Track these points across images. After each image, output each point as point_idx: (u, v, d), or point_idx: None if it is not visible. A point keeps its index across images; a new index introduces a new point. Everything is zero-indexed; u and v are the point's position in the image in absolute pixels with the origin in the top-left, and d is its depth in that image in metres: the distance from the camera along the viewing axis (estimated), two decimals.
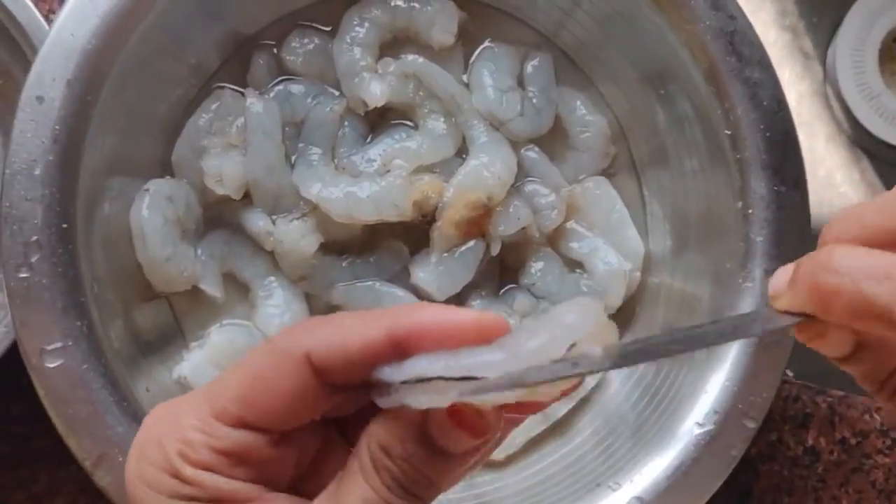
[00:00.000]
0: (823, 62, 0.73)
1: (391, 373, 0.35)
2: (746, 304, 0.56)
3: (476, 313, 0.35)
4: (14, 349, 0.60)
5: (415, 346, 0.35)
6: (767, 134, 0.57)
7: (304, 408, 0.36)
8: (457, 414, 0.35)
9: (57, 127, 0.53)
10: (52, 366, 0.52)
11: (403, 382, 0.34)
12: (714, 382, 0.55)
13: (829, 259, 0.32)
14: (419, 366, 0.34)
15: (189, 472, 0.36)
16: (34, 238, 0.52)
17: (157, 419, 0.38)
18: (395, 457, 0.35)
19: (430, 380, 0.34)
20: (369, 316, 0.36)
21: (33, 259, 0.52)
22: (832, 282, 0.32)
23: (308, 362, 0.35)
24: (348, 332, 0.36)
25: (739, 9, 0.57)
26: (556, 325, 0.33)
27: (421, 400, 0.34)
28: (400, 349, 0.35)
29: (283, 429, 0.37)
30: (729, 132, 0.57)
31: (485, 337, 0.35)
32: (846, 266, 0.32)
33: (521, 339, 0.33)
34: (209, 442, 0.36)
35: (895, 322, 0.30)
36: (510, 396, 0.34)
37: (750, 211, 0.56)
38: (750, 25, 0.57)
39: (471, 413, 0.35)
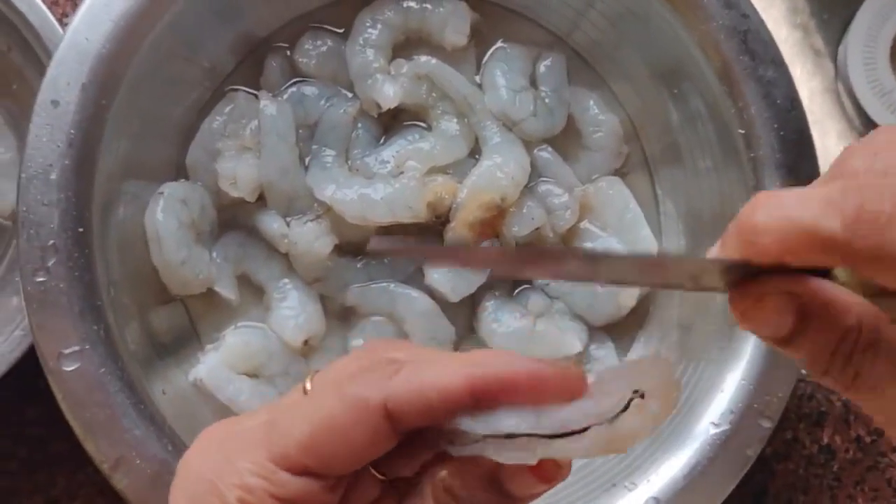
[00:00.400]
0: (835, 59, 0.73)
1: (473, 424, 0.34)
2: None
3: (558, 369, 0.35)
4: (30, 353, 0.60)
5: (495, 398, 0.34)
6: (781, 133, 0.56)
7: (370, 454, 0.36)
8: (542, 468, 0.35)
9: (72, 131, 0.54)
10: (69, 369, 0.52)
11: (486, 436, 0.34)
12: (730, 382, 0.55)
13: (753, 203, 0.32)
14: (507, 423, 0.34)
15: None
16: (51, 242, 0.53)
17: (202, 459, 0.37)
18: (461, 502, 0.35)
19: (516, 436, 0.34)
20: (448, 363, 0.35)
21: (50, 263, 0.52)
22: (759, 217, 0.31)
23: (384, 411, 0.35)
24: (428, 382, 0.35)
25: (752, 7, 0.57)
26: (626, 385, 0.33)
27: (506, 455, 0.34)
28: (480, 400, 0.35)
29: (343, 474, 0.36)
30: (742, 131, 0.57)
31: (567, 391, 0.34)
32: (768, 202, 0.31)
33: (600, 398, 0.33)
34: (270, 489, 0.35)
35: (823, 239, 0.30)
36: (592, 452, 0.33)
37: None
38: (763, 24, 0.57)
39: (550, 463, 0.35)
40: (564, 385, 0.34)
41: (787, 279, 0.33)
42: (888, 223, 0.29)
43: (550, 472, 0.35)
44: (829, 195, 0.30)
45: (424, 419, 0.35)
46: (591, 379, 0.35)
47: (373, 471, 0.38)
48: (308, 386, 0.37)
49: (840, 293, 0.33)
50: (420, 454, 0.38)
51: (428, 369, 0.35)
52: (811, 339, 0.33)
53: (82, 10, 0.54)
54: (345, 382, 0.36)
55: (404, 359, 0.36)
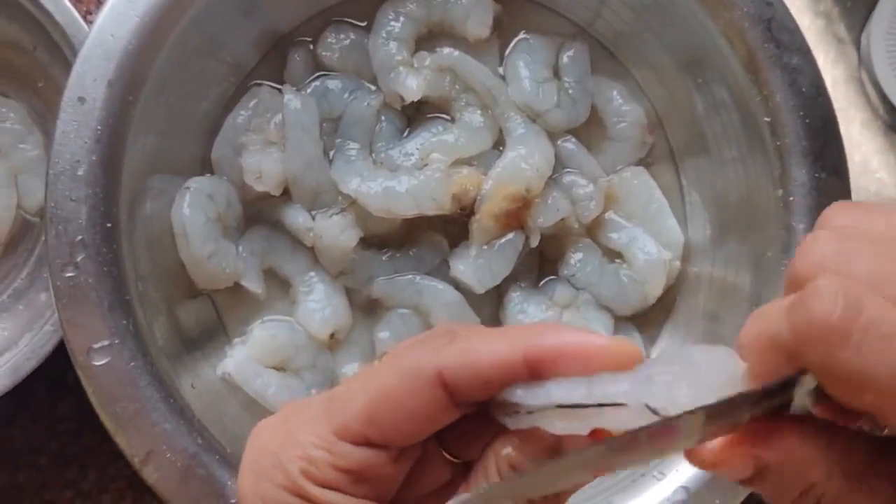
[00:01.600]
0: (858, 47, 0.73)
1: (525, 395, 0.34)
2: None
3: (613, 339, 0.35)
4: (60, 348, 0.60)
5: (549, 369, 0.34)
6: (807, 121, 0.56)
7: (430, 425, 0.36)
8: (596, 437, 0.35)
9: (99, 127, 0.54)
10: (99, 364, 0.52)
11: (539, 407, 0.34)
12: None
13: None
14: (558, 392, 0.34)
15: (314, 490, 0.35)
16: (79, 238, 0.53)
17: (268, 433, 0.38)
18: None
19: (568, 406, 0.33)
20: (503, 334, 0.35)
21: (79, 258, 0.53)
22: (743, 332, 0.32)
23: (440, 381, 0.35)
24: (482, 351, 0.35)
25: None
26: (689, 368, 0.32)
27: (558, 425, 0.34)
28: (534, 370, 0.35)
29: (404, 445, 0.36)
30: (768, 119, 0.57)
31: (621, 363, 0.34)
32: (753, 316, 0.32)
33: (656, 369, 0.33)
34: (332, 460, 0.35)
35: (782, 347, 0.30)
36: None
37: (791, 198, 0.56)
38: (787, 11, 0.57)
39: (608, 434, 0.35)
40: (618, 356, 0.34)
41: (752, 442, 0.32)
42: (835, 335, 0.28)
43: None
44: (788, 301, 0.30)
45: (479, 390, 0.35)
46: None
47: (444, 452, 0.39)
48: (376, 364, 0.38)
49: (806, 448, 0.31)
50: (489, 434, 0.37)
51: (482, 339, 0.35)
52: (772, 485, 0.33)
53: (108, 6, 0.55)
54: (400, 353, 0.36)
55: (459, 331, 0.36)
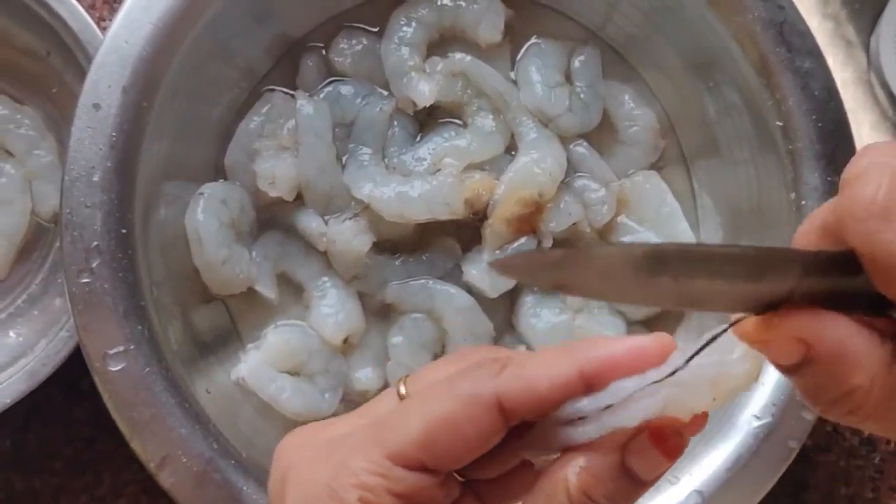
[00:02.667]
0: (867, 49, 0.73)
1: (590, 403, 0.36)
2: None
3: (648, 337, 0.36)
4: (75, 353, 0.61)
5: (605, 380, 0.35)
6: (819, 124, 0.56)
7: (482, 449, 0.36)
8: (657, 435, 0.35)
9: (114, 134, 0.54)
10: (114, 369, 0.52)
11: (607, 407, 0.35)
12: (771, 374, 0.55)
13: None
14: (625, 387, 0.35)
15: None
16: (94, 244, 0.53)
17: (316, 464, 0.38)
18: (597, 499, 0.35)
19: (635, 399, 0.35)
20: (556, 354, 0.36)
21: (94, 264, 0.53)
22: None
23: (498, 405, 0.36)
24: (540, 373, 0.36)
25: None
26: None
27: (632, 415, 0.35)
28: (590, 383, 0.36)
29: (454, 469, 0.37)
30: (780, 123, 0.57)
31: (662, 356, 0.35)
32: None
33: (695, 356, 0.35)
34: (388, 485, 0.36)
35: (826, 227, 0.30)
36: (707, 398, 0.35)
37: (803, 202, 0.56)
38: (799, 15, 0.57)
39: (669, 433, 0.36)
40: (661, 352, 0.35)
41: (805, 320, 0.32)
42: (878, 214, 0.29)
43: (671, 441, 0.36)
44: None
45: (536, 411, 0.36)
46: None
47: (454, 473, 0.39)
48: (403, 391, 0.38)
49: (858, 345, 0.31)
50: (502, 457, 0.39)
51: (535, 362, 0.36)
52: (814, 380, 0.32)
53: (122, 13, 0.55)
54: (456, 380, 0.37)
55: (505, 358, 0.37)
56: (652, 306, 0.62)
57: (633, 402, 0.35)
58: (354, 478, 0.36)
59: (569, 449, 0.36)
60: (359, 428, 0.38)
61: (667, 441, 0.36)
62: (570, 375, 0.35)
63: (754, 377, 0.35)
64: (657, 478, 0.36)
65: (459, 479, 0.40)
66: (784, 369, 0.33)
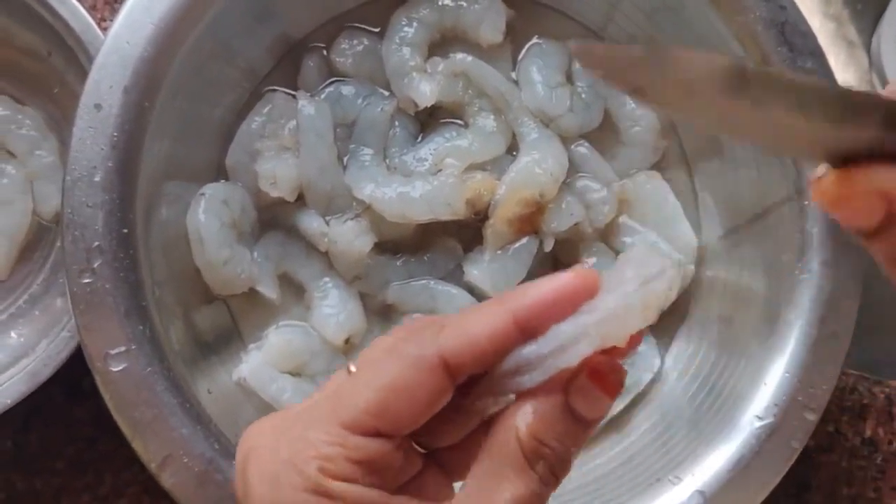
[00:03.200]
0: (868, 49, 0.73)
1: (534, 350, 0.37)
2: (804, 297, 0.56)
3: (569, 273, 0.37)
4: (76, 353, 0.61)
5: (539, 323, 0.37)
6: None
7: (432, 408, 0.37)
8: (595, 373, 0.37)
9: (115, 134, 0.54)
10: (116, 369, 0.52)
11: (552, 350, 0.37)
12: (773, 374, 0.55)
13: None
14: (565, 329, 0.36)
15: (335, 486, 0.36)
16: (96, 244, 0.53)
17: (274, 444, 0.38)
18: (548, 442, 0.36)
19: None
20: (489, 307, 0.38)
21: (95, 264, 0.53)
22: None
23: (443, 364, 0.37)
24: (476, 327, 0.37)
25: None
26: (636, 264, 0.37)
27: (573, 354, 0.36)
28: (525, 330, 0.37)
29: (408, 431, 0.37)
30: None
31: (590, 288, 0.37)
32: None
33: (621, 275, 0.37)
34: (346, 453, 0.36)
35: None
36: (640, 319, 0.36)
37: (805, 202, 0.56)
38: (800, 15, 0.57)
39: (606, 370, 0.37)
40: (586, 285, 0.37)
41: (890, 173, 0.31)
42: None
43: (609, 378, 0.37)
44: None
45: (479, 363, 0.37)
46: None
47: (414, 445, 0.40)
48: (353, 368, 0.39)
49: None
50: (458, 420, 0.40)
51: (471, 317, 0.38)
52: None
53: (123, 13, 0.55)
54: (399, 345, 0.38)
55: (444, 319, 0.38)
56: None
57: (572, 343, 0.36)
58: (313, 449, 0.36)
59: (517, 398, 0.37)
60: (313, 404, 0.39)
61: (605, 378, 0.37)
62: (505, 323, 0.37)
63: (676, 286, 0.37)
64: (601, 416, 0.38)
65: (421, 450, 0.41)
66: (865, 234, 0.32)
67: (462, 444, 0.41)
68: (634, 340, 0.37)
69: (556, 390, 0.37)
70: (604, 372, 0.37)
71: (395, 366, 0.37)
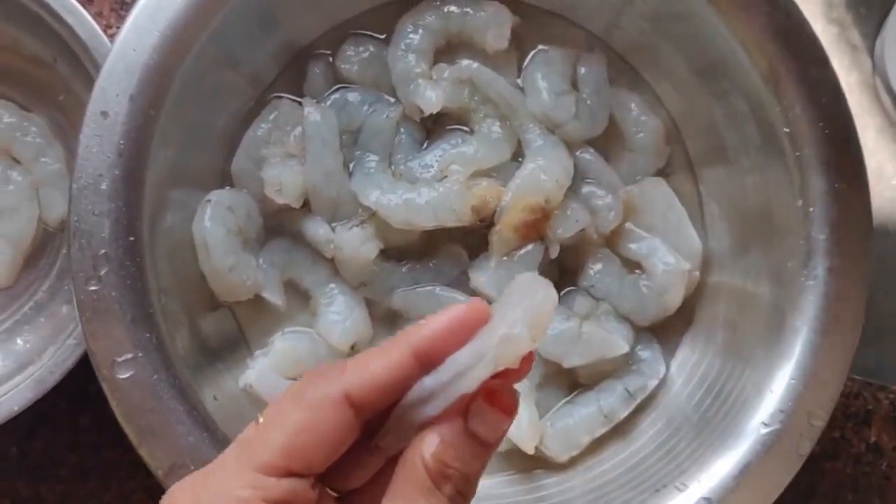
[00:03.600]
0: (872, 54, 0.73)
1: (433, 380, 0.39)
2: (810, 303, 0.56)
3: (461, 305, 0.40)
4: (80, 360, 0.61)
5: (437, 355, 0.39)
6: (827, 131, 0.56)
7: (341, 445, 0.39)
8: (490, 395, 0.39)
9: (121, 142, 0.54)
10: (123, 377, 0.52)
11: (452, 377, 0.39)
12: (779, 381, 0.55)
13: None
14: (461, 358, 0.39)
15: None
16: (102, 251, 0.53)
17: (192, 499, 0.40)
18: (452, 464, 0.39)
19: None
20: (389, 343, 0.40)
21: (102, 272, 0.53)
22: None
23: (348, 402, 0.39)
24: (376, 363, 0.39)
25: (795, 6, 0.57)
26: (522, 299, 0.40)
27: (472, 379, 0.38)
28: (425, 362, 0.39)
29: (321, 470, 0.39)
30: (788, 130, 0.57)
31: (481, 317, 0.39)
32: None
33: (509, 302, 0.40)
34: (262, 494, 0.38)
35: None
36: (529, 341, 0.39)
37: (811, 209, 0.56)
38: (806, 22, 0.57)
39: (501, 391, 0.40)
40: (478, 314, 0.39)
41: None
42: None
43: (504, 399, 0.40)
44: None
45: (383, 398, 0.39)
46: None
47: (328, 489, 0.42)
48: (261, 419, 0.40)
49: None
50: (367, 461, 0.42)
51: (372, 355, 0.40)
52: None
53: (129, 21, 0.55)
54: (305, 389, 0.40)
55: (346, 361, 0.41)
56: None
57: (469, 369, 0.38)
58: (230, 496, 0.38)
59: (421, 428, 0.39)
60: (226, 456, 0.40)
61: (500, 400, 0.40)
62: (404, 357, 0.39)
63: (555, 306, 0.40)
64: (500, 437, 0.40)
65: (333, 494, 0.42)
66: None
67: (372, 486, 0.42)
68: (526, 361, 0.40)
69: (456, 416, 0.39)
70: (499, 394, 0.40)
71: (301, 408, 0.39)
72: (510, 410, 0.40)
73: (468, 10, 0.63)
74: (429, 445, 0.39)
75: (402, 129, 0.64)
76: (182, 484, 0.41)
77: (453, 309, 0.40)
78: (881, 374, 0.68)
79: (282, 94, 0.65)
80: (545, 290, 0.40)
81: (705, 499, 0.54)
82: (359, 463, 0.42)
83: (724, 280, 0.64)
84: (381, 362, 0.39)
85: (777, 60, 0.57)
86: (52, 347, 0.65)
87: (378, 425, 0.41)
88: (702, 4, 0.58)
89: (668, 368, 0.65)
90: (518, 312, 0.39)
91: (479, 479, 0.40)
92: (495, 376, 0.39)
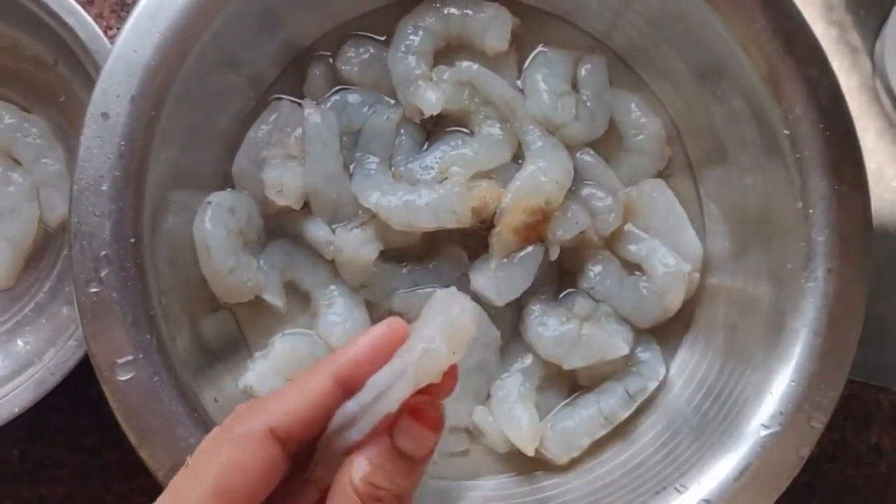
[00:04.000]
0: (871, 55, 0.73)
1: (357, 401, 0.40)
2: (810, 305, 0.56)
3: (380, 327, 0.41)
4: (81, 362, 0.61)
5: (357, 380, 0.40)
6: (827, 133, 0.56)
7: (271, 480, 0.39)
8: (415, 411, 0.40)
9: (122, 143, 0.54)
10: (123, 379, 0.52)
11: (374, 398, 0.40)
12: (778, 383, 0.55)
13: None
14: (380, 379, 0.40)
15: None
16: (103, 253, 0.53)
17: None
18: (381, 485, 0.39)
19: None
20: (311, 371, 0.41)
21: (103, 274, 0.53)
22: None
23: (272, 436, 0.39)
24: (297, 394, 0.40)
25: (795, 7, 0.57)
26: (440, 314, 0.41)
27: (395, 397, 0.39)
28: (347, 387, 0.40)
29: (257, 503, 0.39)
30: (787, 132, 0.57)
31: (399, 338, 0.41)
32: None
33: (427, 319, 0.41)
34: None
35: None
36: (448, 355, 0.40)
37: (811, 211, 0.56)
38: (806, 24, 0.57)
39: (425, 406, 0.40)
40: (396, 334, 0.41)
41: None
42: None
43: (430, 414, 0.40)
44: None
45: (307, 428, 0.40)
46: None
47: None
48: (189, 460, 0.41)
49: None
50: (301, 495, 0.42)
51: (293, 386, 0.41)
52: None
53: (130, 22, 0.55)
54: (229, 428, 0.40)
55: (267, 397, 0.41)
56: None
57: (390, 388, 0.39)
58: None
59: (349, 453, 0.40)
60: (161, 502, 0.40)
61: (425, 415, 0.40)
62: (324, 385, 0.40)
63: (475, 322, 0.41)
64: (428, 452, 0.40)
65: None
66: None
67: None
68: (449, 376, 0.40)
69: (382, 436, 0.40)
70: (423, 409, 0.40)
71: (226, 448, 0.39)
72: (436, 425, 0.40)
73: (468, 11, 0.64)
74: (357, 469, 0.39)
75: (402, 131, 0.64)
76: None
77: (373, 330, 0.41)
78: (881, 375, 0.68)
79: (282, 96, 0.65)
80: (461, 304, 0.40)
81: (705, 501, 0.54)
82: (296, 495, 0.42)
83: (724, 282, 0.64)
84: (300, 394, 0.40)
85: (777, 62, 0.57)
86: (53, 349, 0.65)
87: (311, 455, 0.41)
88: (701, 6, 0.58)
89: (668, 370, 0.65)
90: (435, 327, 0.40)
91: (412, 497, 0.40)
92: (420, 392, 0.39)
